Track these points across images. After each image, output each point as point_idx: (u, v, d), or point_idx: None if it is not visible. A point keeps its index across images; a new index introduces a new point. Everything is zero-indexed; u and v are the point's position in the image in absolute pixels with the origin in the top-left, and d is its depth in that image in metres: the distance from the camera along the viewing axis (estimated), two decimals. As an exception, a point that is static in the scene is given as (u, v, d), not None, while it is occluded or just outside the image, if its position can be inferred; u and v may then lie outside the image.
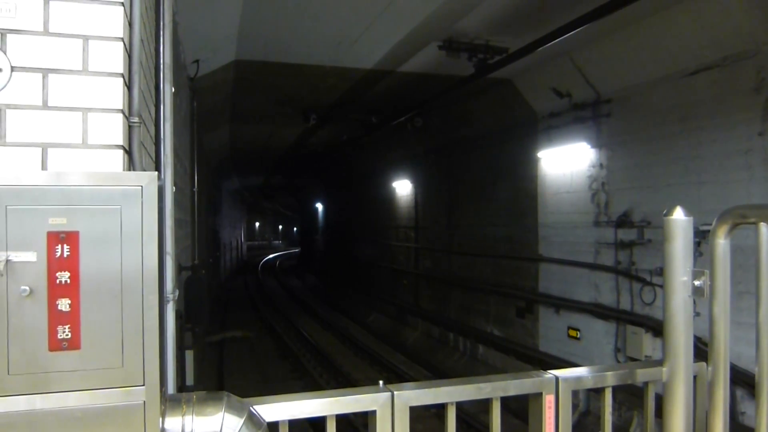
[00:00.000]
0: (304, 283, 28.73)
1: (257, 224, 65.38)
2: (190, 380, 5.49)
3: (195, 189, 7.77)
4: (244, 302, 22.46)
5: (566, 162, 8.69)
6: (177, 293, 3.34)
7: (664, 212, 1.95)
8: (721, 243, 1.91)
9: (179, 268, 5.17)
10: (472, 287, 11.65)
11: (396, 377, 10.91)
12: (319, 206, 29.01)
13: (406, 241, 15.39)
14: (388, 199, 16.62)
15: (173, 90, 2.92)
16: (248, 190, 35.37)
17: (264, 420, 1.63)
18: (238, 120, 12.95)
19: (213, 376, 10.80)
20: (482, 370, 10.43)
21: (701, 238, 5.47)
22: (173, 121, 2.87)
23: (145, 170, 1.95)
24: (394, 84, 9.67)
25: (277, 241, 67.73)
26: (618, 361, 7.68)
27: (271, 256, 49.58)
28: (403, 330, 14.64)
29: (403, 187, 15.53)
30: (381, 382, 1.85)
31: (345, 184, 21.92)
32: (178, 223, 4.37)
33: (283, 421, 1.71)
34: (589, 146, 8.15)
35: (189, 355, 5.50)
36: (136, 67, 1.84)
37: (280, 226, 70.04)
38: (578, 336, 8.52)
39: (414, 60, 8.37)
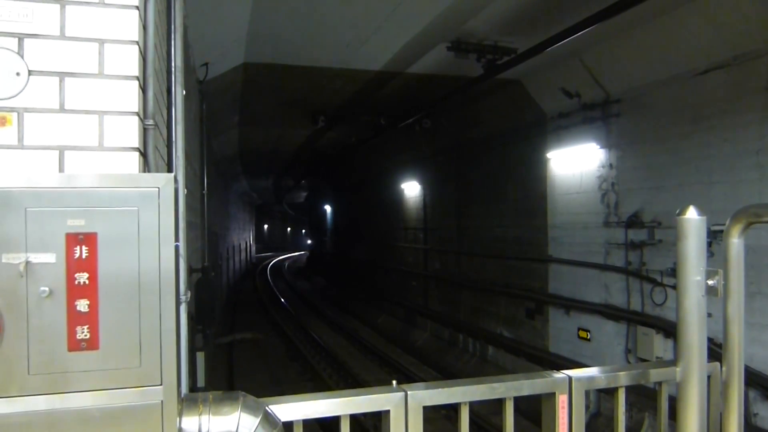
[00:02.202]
0: (313, 285, 28.78)
1: (266, 226, 65.51)
2: (201, 382, 5.51)
3: (204, 191, 7.81)
4: (253, 304, 22.52)
5: (576, 162, 8.66)
6: (189, 295, 3.36)
7: (677, 212, 1.95)
8: (735, 242, 1.90)
9: (190, 270, 5.19)
10: (481, 288, 11.62)
11: (406, 379, 10.89)
12: (328, 208, 29.03)
13: (414, 242, 15.38)
14: (396, 200, 16.62)
15: (184, 93, 2.94)
16: (257, 192, 35.48)
17: (279, 420, 1.64)
18: (246, 122, 12.99)
19: (223, 378, 10.84)
20: (492, 372, 10.40)
21: (712, 238, 5.44)
22: (184, 124, 2.89)
23: (159, 172, 1.97)
24: (402, 85, 9.68)
25: (285, 243, 67.85)
26: (629, 362, 7.64)
27: (279, 258, 49.71)
28: (412, 331, 14.63)
29: (411, 189, 15.53)
30: (394, 382, 1.85)
31: (353, 186, 21.93)
32: (188, 225, 4.39)
33: (298, 421, 1.72)
34: (598, 146, 8.12)
35: (200, 356, 5.52)
36: (150, 70, 1.86)
37: (289, 228, 70.18)
38: (588, 337, 8.49)
39: (422, 61, 8.38)
